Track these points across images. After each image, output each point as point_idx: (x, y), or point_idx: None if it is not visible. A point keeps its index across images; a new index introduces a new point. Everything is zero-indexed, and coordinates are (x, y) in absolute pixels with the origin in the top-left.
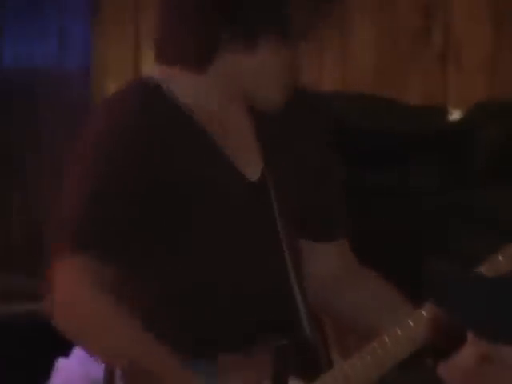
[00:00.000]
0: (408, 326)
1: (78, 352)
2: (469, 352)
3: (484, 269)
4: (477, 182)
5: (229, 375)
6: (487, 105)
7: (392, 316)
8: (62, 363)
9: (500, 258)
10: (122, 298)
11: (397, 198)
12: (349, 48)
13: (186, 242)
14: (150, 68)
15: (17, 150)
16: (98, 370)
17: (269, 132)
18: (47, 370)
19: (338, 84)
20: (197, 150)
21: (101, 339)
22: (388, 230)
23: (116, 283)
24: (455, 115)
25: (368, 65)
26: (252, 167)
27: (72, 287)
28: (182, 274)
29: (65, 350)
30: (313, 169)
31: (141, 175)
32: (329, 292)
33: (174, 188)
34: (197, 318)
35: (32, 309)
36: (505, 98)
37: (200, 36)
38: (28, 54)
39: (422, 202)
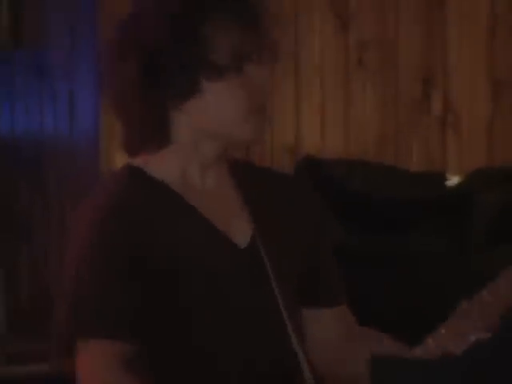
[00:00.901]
0: None
1: None
2: None
3: (428, 345)
4: (475, 246)
5: None
6: (486, 171)
7: None
8: None
9: (443, 331)
10: (137, 373)
11: (398, 262)
12: (351, 116)
13: (183, 315)
14: None
15: (25, 216)
16: None
17: (256, 198)
18: None
19: (340, 151)
20: (183, 226)
21: None
22: (388, 294)
23: (131, 360)
24: (454, 181)
25: (370, 132)
26: (241, 234)
27: (95, 374)
28: (185, 348)
29: None
30: (306, 235)
31: (133, 257)
32: (330, 357)
33: (166, 265)
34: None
35: (38, 370)
36: (503, 164)
37: (144, 111)
38: (36, 124)
39: (421, 265)
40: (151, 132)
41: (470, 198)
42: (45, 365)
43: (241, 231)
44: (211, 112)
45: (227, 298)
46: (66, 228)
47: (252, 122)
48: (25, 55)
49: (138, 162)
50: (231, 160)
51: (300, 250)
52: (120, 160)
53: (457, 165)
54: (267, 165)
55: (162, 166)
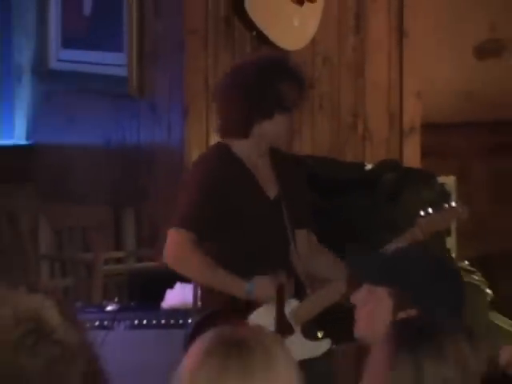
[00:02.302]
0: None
1: (178, 285)
2: (363, 289)
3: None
4: (380, 202)
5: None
6: (386, 162)
7: (335, 272)
8: (169, 292)
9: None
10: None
11: (341, 211)
12: (314, 136)
13: (238, 230)
14: (214, 142)
15: (144, 187)
16: (189, 293)
17: (280, 172)
18: (163, 295)
19: (310, 151)
20: (246, 183)
21: (194, 272)
22: (336, 229)
23: (202, 247)
24: (369, 167)
25: (325, 142)
26: (271, 190)
27: (178, 244)
28: (236, 246)
29: (171, 284)
30: (300, 193)
31: (217, 196)
32: (304, 260)
33: (234, 203)
34: (243, 265)
35: (150, 266)
36: (396, 158)
37: (241, 121)
38: (151, 139)
39: (353, 215)
40: (241, 130)
41: (378, 175)
42: (155, 263)
43: (272, 190)
44: (272, 129)
45: (262, 222)
46: (167, 194)
47: (287, 141)
48: (145, 100)
49: (226, 141)
50: (271, 149)
51: (298, 200)
52: (195, 155)
53: (370, 158)
54: None
55: (239, 147)
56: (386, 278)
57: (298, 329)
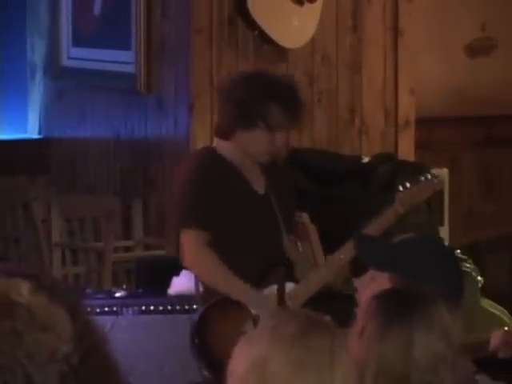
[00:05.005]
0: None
1: (184, 273)
2: (367, 274)
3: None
4: (375, 193)
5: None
6: (381, 155)
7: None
8: (175, 279)
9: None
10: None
11: (336, 200)
12: (313, 130)
13: (232, 224)
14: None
15: (153, 176)
16: (191, 281)
17: (267, 171)
18: (169, 282)
19: (309, 145)
20: (234, 180)
21: (203, 272)
22: (332, 216)
23: (207, 242)
24: (366, 160)
25: (323, 136)
26: (260, 187)
27: (191, 248)
28: (230, 236)
29: (177, 272)
30: (287, 190)
31: (208, 194)
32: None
33: (224, 200)
34: (237, 260)
35: (160, 253)
36: (390, 151)
37: (226, 125)
38: (158, 133)
39: (347, 202)
40: (225, 132)
41: (374, 168)
42: (162, 251)
43: (260, 186)
44: (250, 141)
45: (253, 217)
46: (173, 181)
47: (264, 158)
48: (152, 96)
49: (214, 144)
50: None
51: (285, 197)
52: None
53: (366, 151)
54: None
55: (226, 149)
56: (388, 263)
57: None
